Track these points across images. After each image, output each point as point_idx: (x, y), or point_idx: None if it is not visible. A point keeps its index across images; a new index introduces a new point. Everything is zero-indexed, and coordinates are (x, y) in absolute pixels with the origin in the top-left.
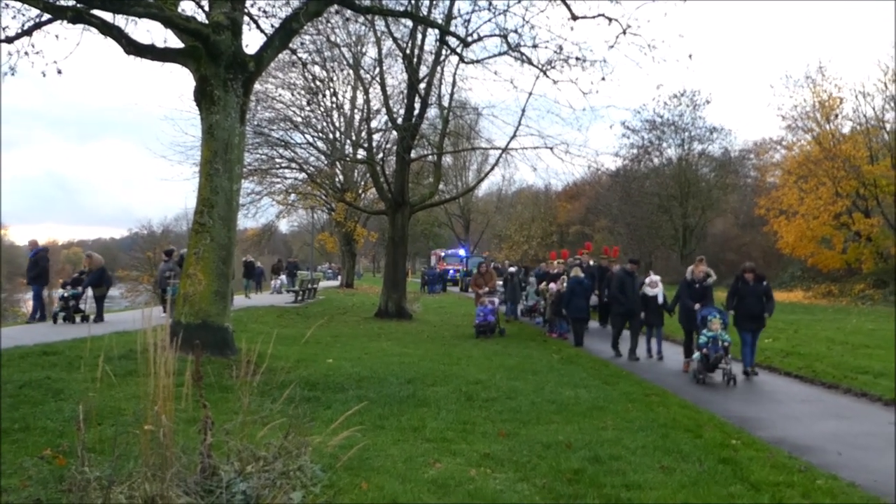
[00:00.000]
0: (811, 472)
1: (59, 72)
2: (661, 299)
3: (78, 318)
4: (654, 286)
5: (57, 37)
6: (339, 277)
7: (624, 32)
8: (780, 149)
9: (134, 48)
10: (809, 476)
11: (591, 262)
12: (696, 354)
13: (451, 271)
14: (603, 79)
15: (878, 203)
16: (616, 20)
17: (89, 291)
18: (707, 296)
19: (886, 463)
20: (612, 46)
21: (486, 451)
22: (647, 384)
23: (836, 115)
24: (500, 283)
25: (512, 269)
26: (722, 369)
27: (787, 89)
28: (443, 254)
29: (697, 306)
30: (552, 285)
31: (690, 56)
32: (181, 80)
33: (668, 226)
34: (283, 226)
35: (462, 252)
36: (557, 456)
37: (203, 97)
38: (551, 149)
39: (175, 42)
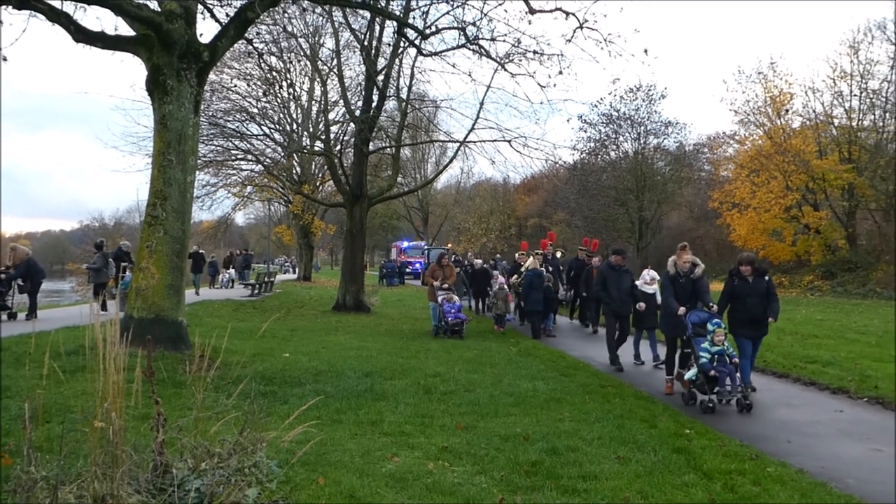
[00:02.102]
0: (762, 459)
1: (5, 59)
2: (659, 299)
3: (4, 316)
4: (652, 283)
5: (1, 23)
6: (297, 270)
7: (581, 27)
8: (733, 143)
9: (83, 36)
10: (760, 464)
11: (559, 254)
12: (690, 373)
13: (414, 264)
14: (560, 72)
15: (826, 197)
16: (573, 14)
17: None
18: (701, 292)
19: (834, 450)
20: (569, 40)
21: (444, 444)
22: (604, 376)
23: (787, 111)
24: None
25: (477, 262)
26: (736, 396)
27: (740, 84)
28: (404, 246)
29: (683, 310)
30: (500, 279)
31: (646, 51)
32: (133, 68)
33: (625, 219)
34: (240, 218)
35: (423, 244)
36: (515, 448)
37: (156, 87)
38: (509, 142)
39: (126, 30)
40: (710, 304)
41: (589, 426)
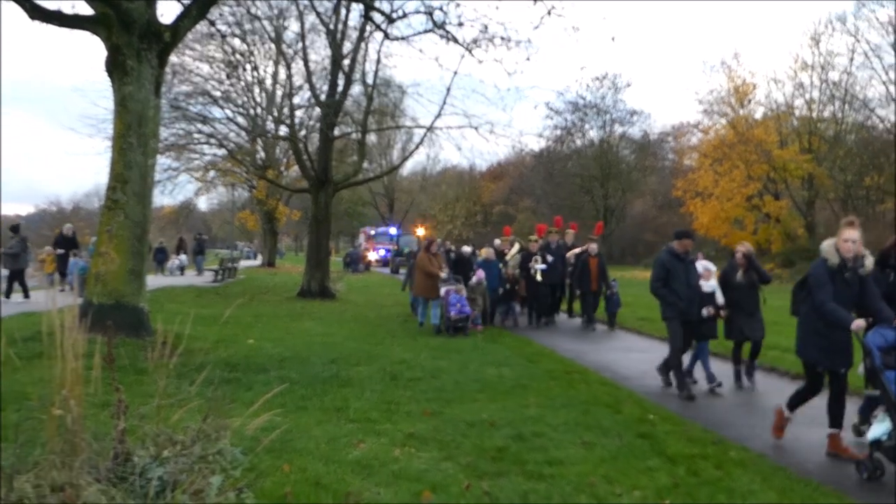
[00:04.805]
0: (724, 444)
1: None
2: (720, 299)
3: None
4: (709, 277)
5: None
6: (259, 256)
7: (549, 13)
8: (697, 132)
9: (39, 14)
10: (722, 448)
11: (559, 241)
12: (879, 430)
13: (385, 251)
14: (528, 59)
15: (786, 186)
16: (541, 0)
17: None
18: (872, 296)
19: (794, 434)
20: (536, 27)
21: (410, 430)
22: (569, 362)
23: (750, 101)
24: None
25: (465, 249)
26: None
27: (704, 74)
28: (372, 232)
29: (861, 323)
30: (480, 272)
31: (613, 39)
32: (92, 48)
33: (590, 206)
34: (203, 203)
35: (393, 230)
36: (481, 434)
37: (115, 68)
38: (476, 128)
39: (84, 8)
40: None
41: (554, 412)
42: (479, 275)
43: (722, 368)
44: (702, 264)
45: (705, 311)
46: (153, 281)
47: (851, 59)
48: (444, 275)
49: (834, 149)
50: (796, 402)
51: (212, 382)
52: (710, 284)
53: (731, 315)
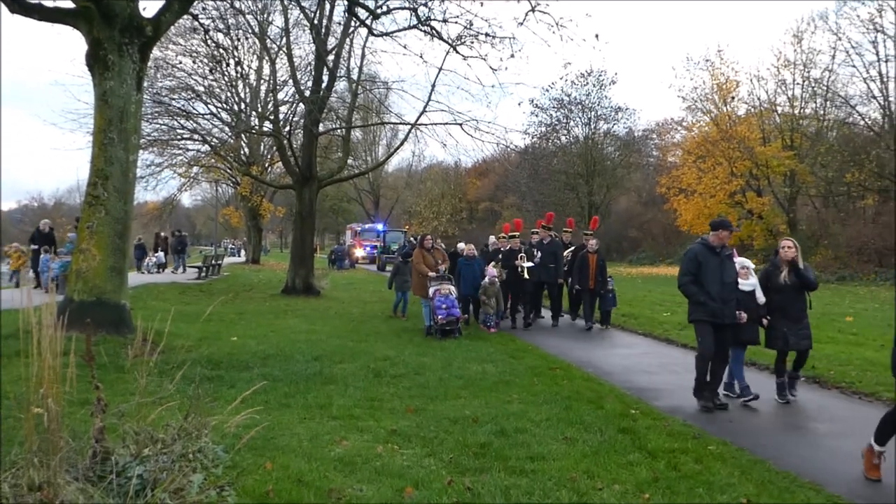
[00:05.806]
0: (704, 438)
1: None
2: (761, 298)
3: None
4: (747, 276)
5: None
6: (244, 253)
7: (533, 10)
8: (681, 129)
9: (19, 6)
10: (702, 442)
11: (553, 237)
12: None
13: (369, 248)
14: (512, 56)
15: (769, 183)
16: None
17: None
18: None
19: (773, 428)
20: (521, 24)
21: (393, 427)
22: (552, 358)
23: (733, 98)
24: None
25: (460, 246)
26: None
27: (688, 71)
28: (359, 228)
29: None
30: (491, 271)
31: (597, 36)
32: (72, 42)
33: (575, 203)
34: (186, 199)
35: (380, 227)
36: (464, 430)
37: (96, 62)
38: (461, 125)
39: (65, 1)
40: None
41: (537, 408)
42: (491, 273)
43: (756, 378)
44: (739, 261)
45: (741, 316)
46: (133, 278)
47: (833, 57)
48: (433, 274)
49: (815, 145)
50: (891, 430)
51: (193, 380)
52: (749, 283)
53: (773, 321)
